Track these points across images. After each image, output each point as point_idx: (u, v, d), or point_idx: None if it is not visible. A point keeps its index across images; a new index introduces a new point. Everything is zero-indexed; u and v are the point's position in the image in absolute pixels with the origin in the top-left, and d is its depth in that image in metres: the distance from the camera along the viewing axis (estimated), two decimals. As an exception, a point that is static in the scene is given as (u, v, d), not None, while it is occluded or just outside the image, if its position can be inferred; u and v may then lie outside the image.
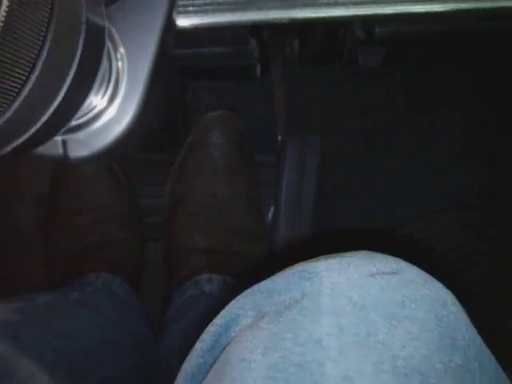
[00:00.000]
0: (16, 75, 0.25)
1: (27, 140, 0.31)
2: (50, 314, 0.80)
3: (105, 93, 0.48)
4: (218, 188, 1.00)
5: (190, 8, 0.61)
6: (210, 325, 0.44)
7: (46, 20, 0.26)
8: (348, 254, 0.42)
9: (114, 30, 0.47)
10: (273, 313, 0.40)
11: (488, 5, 0.63)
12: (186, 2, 0.60)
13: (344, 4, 0.61)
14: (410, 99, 1.11)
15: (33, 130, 0.31)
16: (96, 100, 0.47)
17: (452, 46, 0.92)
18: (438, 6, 0.64)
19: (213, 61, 0.88)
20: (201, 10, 0.61)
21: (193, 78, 1.04)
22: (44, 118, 0.31)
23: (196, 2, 0.61)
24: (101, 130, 0.45)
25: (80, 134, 0.45)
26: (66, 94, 0.31)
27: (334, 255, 0.42)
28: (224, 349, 0.42)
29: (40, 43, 0.26)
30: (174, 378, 0.45)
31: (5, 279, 1.04)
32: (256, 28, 0.87)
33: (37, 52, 0.26)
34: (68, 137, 0.44)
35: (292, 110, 1.09)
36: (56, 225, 1.03)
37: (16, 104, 0.26)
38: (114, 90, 0.48)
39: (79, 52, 0.30)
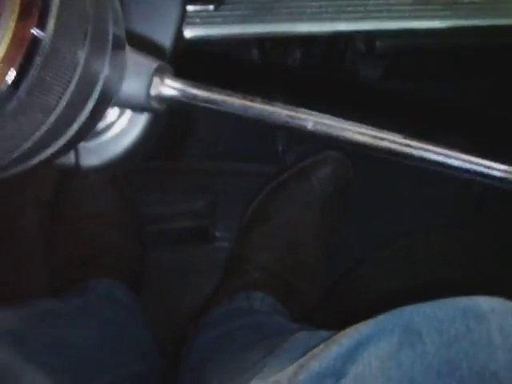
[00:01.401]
0: (49, 99, 0.29)
1: (51, 154, 0.33)
2: (52, 321, 0.80)
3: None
4: (305, 222, 1.03)
5: (197, 20, 0.62)
6: (350, 329, 0.48)
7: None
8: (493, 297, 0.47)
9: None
10: (435, 337, 0.44)
11: (486, 23, 0.65)
12: (193, 14, 0.62)
13: (347, 19, 0.63)
14: (408, 113, 1.12)
15: (56, 146, 0.33)
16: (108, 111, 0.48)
17: (452, 60, 0.94)
18: (438, 22, 0.65)
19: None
20: (207, 21, 0.63)
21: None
22: (68, 136, 0.33)
23: (202, 13, 0.62)
24: (112, 140, 0.46)
25: (91, 143, 0.46)
26: (88, 116, 0.34)
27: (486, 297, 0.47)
28: (364, 357, 0.45)
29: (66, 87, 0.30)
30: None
31: (8, 284, 1.04)
32: (258, 38, 0.88)
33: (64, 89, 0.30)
34: (80, 145, 0.45)
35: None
36: (59, 230, 1.04)
37: (49, 121, 0.29)
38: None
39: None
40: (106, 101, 0.35)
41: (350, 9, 0.63)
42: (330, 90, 0.99)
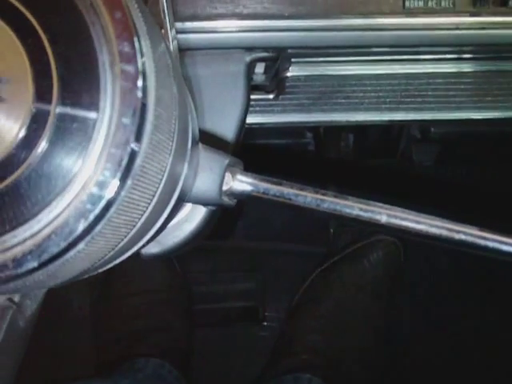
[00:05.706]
0: (135, 215, 0.29)
1: (127, 256, 0.33)
2: None
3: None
4: (356, 305, 1.03)
5: (257, 108, 0.64)
6: None
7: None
8: None
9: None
10: None
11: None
12: (253, 102, 0.63)
13: (405, 109, 0.63)
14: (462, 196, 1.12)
15: (135, 249, 0.33)
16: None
17: (506, 147, 0.93)
18: (497, 112, 0.65)
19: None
20: (266, 109, 0.64)
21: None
22: (146, 239, 0.34)
23: (262, 102, 0.64)
24: (173, 229, 0.47)
25: (153, 233, 0.46)
26: (165, 220, 0.34)
27: None
28: None
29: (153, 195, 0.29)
30: None
31: (56, 359, 1.04)
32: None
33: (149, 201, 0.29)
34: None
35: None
36: (108, 306, 1.04)
37: (137, 227, 0.29)
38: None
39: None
40: (181, 200, 0.35)
41: (408, 99, 0.63)
42: (383, 174, 1.00)
